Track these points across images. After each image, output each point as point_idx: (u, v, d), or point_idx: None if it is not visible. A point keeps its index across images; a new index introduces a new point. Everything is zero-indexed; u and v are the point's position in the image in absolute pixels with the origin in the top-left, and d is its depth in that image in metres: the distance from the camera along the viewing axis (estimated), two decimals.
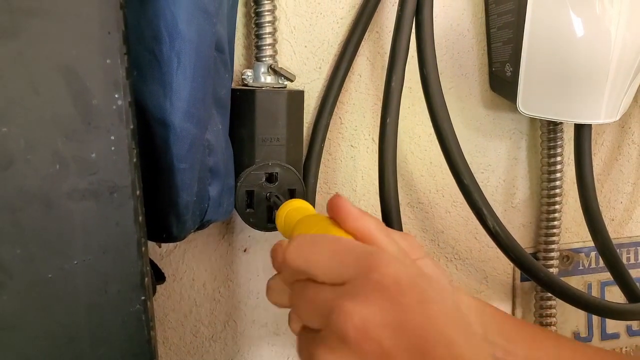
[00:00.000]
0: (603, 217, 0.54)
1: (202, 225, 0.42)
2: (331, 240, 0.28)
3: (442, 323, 0.24)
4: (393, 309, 0.24)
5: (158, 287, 0.49)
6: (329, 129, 0.51)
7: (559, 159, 0.57)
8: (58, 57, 0.23)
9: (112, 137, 0.25)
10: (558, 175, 0.57)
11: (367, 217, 0.31)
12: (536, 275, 0.49)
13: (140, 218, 0.25)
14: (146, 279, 0.25)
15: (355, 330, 0.24)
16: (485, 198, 0.47)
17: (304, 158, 0.50)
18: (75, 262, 0.25)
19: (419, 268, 0.29)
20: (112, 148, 0.25)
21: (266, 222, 0.45)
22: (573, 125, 0.54)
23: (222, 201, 0.41)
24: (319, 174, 0.51)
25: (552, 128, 0.56)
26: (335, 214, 0.31)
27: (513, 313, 0.62)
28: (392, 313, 0.24)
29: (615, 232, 0.63)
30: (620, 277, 0.52)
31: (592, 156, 0.57)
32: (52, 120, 0.24)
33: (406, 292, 0.24)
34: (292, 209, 0.38)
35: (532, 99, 0.48)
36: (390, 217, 0.45)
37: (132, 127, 0.25)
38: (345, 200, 0.31)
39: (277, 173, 0.45)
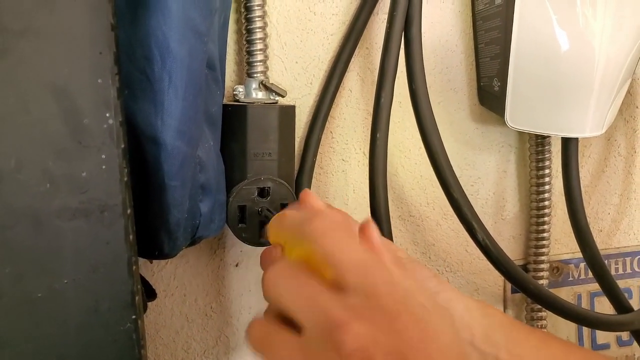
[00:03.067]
0: (591, 228, 0.54)
1: (193, 242, 0.42)
2: (364, 248, 0.28)
3: None
4: (397, 340, 0.24)
5: (149, 303, 0.49)
6: (321, 143, 0.51)
7: (547, 171, 0.57)
8: (49, 76, 0.24)
9: (103, 156, 0.25)
10: (547, 187, 0.58)
11: (397, 250, 0.31)
12: (526, 288, 0.50)
13: (131, 237, 0.25)
14: (137, 297, 0.25)
15: (360, 352, 0.23)
16: (475, 211, 0.48)
17: (296, 172, 0.50)
18: (65, 281, 0.25)
19: (442, 300, 0.29)
20: (103, 167, 0.25)
21: (258, 237, 0.45)
22: (560, 138, 0.55)
23: (213, 217, 0.41)
24: (311, 187, 0.51)
25: (540, 141, 0.57)
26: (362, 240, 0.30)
27: None
28: (395, 344, 0.24)
29: (604, 243, 0.64)
30: (609, 288, 0.53)
31: (580, 168, 0.58)
32: (43, 139, 0.24)
33: (411, 328, 0.24)
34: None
35: (520, 113, 0.49)
36: (381, 229, 0.46)
37: (123, 146, 0.25)
38: (374, 230, 0.30)
39: (269, 188, 0.45)
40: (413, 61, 0.46)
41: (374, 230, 0.30)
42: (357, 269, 0.26)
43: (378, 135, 0.46)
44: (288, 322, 0.27)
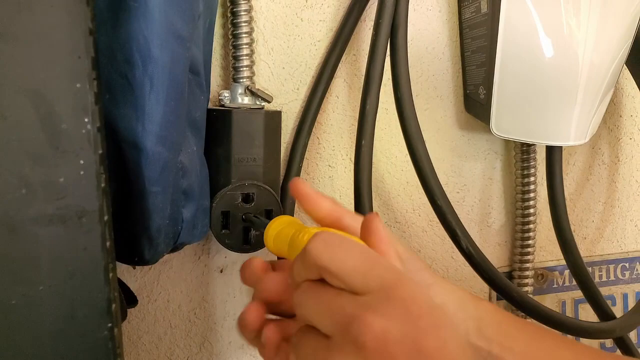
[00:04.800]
0: (576, 235, 0.55)
1: (175, 248, 0.41)
2: (361, 246, 0.28)
3: (454, 350, 0.25)
4: (412, 329, 0.25)
5: (132, 309, 0.48)
6: (307, 149, 0.51)
7: (532, 179, 0.58)
8: (26, 82, 0.23)
9: (81, 162, 0.25)
10: (532, 195, 0.58)
11: (395, 242, 0.31)
12: (509, 295, 0.50)
13: (108, 243, 0.25)
14: (114, 305, 0.25)
15: (375, 341, 0.24)
16: (459, 218, 0.48)
17: (281, 178, 0.50)
18: (41, 288, 0.24)
19: (434, 295, 0.30)
20: (81, 172, 0.25)
21: (242, 243, 0.45)
22: (545, 146, 0.55)
23: (196, 223, 0.41)
24: None
25: (525, 149, 0.57)
26: (367, 234, 0.31)
27: None
28: (410, 333, 0.25)
29: (588, 250, 0.64)
30: (592, 295, 0.53)
31: (564, 176, 0.59)
32: (20, 145, 0.24)
33: (424, 315, 0.25)
34: (287, 223, 0.36)
35: (505, 121, 0.49)
36: None
37: (101, 151, 0.25)
38: (380, 222, 0.31)
39: (253, 193, 0.45)
40: (398, 69, 0.46)
41: (379, 223, 0.30)
42: (359, 274, 0.26)
43: (363, 142, 0.46)
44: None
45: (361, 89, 0.49)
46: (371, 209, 0.47)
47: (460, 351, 0.25)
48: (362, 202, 0.46)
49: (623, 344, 0.55)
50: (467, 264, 0.52)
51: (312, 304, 0.27)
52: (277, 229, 0.35)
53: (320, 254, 0.27)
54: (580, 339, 0.64)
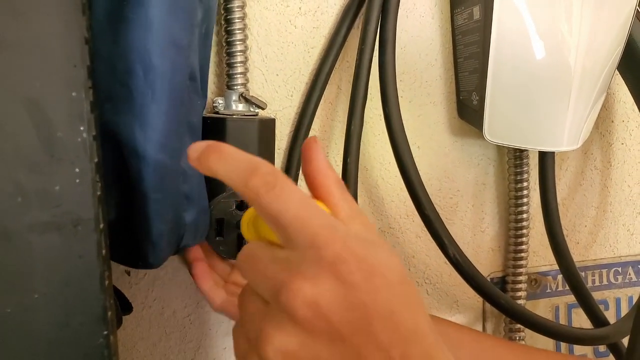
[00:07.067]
0: (569, 240, 0.55)
1: (179, 250, 0.42)
2: (303, 196, 0.27)
3: (385, 296, 0.25)
4: (341, 287, 0.24)
5: (127, 316, 0.48)
6: None
7: (525, 184, 0.58)
8: (22, 90, 0.23)
9: (77, 170, 0.25)
10: (525, 200, 0.58)
11: (332, 174, 0.30)
12: (497, 303, 0.50)
13: (104, 251, 0.25)
14: (109, 312, 0.25)
15: (305, 309, 0.24)
16: (445, 227, 0.48)
17: None
18: (36, 296, 0.24)
19: (364, 239, 0.27)
20: (77, 180, 0.25)
21: (236, 250, 0.45)
22: (538, 152, 0.56)
23: (198, 225, 0.41)
24: None
25: (518, 155, 0.58)
26: (306, 156, 0.30)
27: None
28: (340, 291, 0.24)
29: (581, 255, 0.65)
30: (585, 301, 0.53)
31: (557, 181, 0.59)
32: (15, 153, 0.24)
33: (354, 271, 0.24)
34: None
35: (497, 127, 0.50)
36: None
37: (96, 160, 0.25)
38: (319, 148, 0.30)
39: None
40: (387, 85, 0.47)
41: (318, 152, 0.29)
42: (296, 222, 0.25)
43: (348, 160, 0.48)
44: None
45: None
46: None
47: (396, 296, 0.25)
48: None
49: (616, 350, 0.56)
50: None
51: (248, 268, 0.27)
52: (249, 214, 0.34)
53: (260, 197, 0.26)
54: (574, 346, 0.64)
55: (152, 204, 0.36)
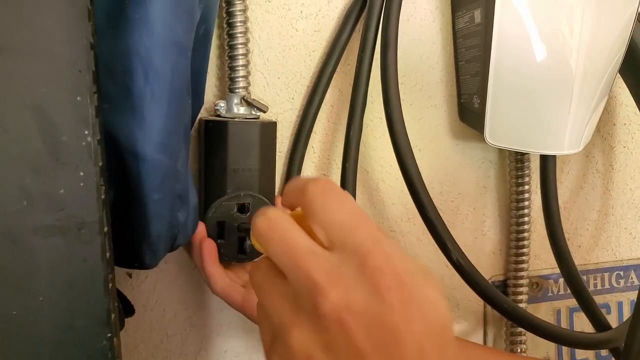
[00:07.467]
0: (570, 244, 0.55)
1: (171, 250, 0.42)
2: (353, 204, 0.27)
3: (419, 331, 0.24)
4: (375, 301, 0.24)
5: (129, 318, 0.48)
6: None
7: (526, 187, 0.58)
8: (27, 95, 0.24)
9: (81, 173, 0.25)
10: (526, 203, 0.58)
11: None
12: (500, 306, 0.50)
13: (108, 254, 0.25)
14: (113, 315, 0.25)
15: (333, 311, 0.23)
16: (448, 230, 0.49)
17: (278, 188, 0.50)
18: (41, 299, 0.24)
19: (411, 265, 0.27)
20: (81, 184, 0.25)
21: (237, 252, 0.45)
22: (539, 155, 0.56)
23: (189, 224, 0.41)
24: None
25: (519, 158, 0.58)
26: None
27: (484, 340, 0.62)
28: (373, 305, 0.23)
29: (582, 258, 0.65)
30: (587, 305, 0.53)
31: (559, 185, 0.59)
32: (20, 157, 0.24)
33: (392, 289, 0.24)
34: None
35: (499, 130, 0.50)
36: None
37: (100, 164, 0.25)
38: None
39: (249, 203, 0.45)
40: (388, 87, 0.47)
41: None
42: (342, 228, 0.25)
43: (347, 165, 0.49)
44: None
45: None
46: None
47: (429, 335, 0.24)
48: None
49: (619, 354, 0.56)
50: None
51: (278, 249, 0.26)
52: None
53: (316, 201, 0.26)
54: (576, 350, 0.64)
55: (151, 205, 0.36)
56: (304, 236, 0.26)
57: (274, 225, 0.26)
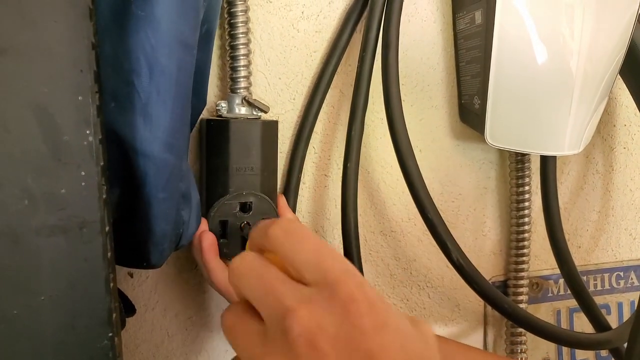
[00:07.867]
0: (571, 244, 0.55)
1: (176, 248, 0.42)
2: (316, 239, 0.27)
3: (394, 354, 0.24)
4: (348, 326, 0.23)
5: (130, 318, 0.48)
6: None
7: (527, 188, 0.58)
8: (29, 95, 0.24)
9: (83, 173, 0.25)
10: (527, 204, 0.58)
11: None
12: (500, 307, 0.50)
13: (109, 254, 0.25)
14: (114, 314, 0.25)
15: (305, 336, 0.23)
16: (449, 231, 0.49)
17: (279, 187, 0.50)
18: (42, 298, 0.24)
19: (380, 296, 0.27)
20: (83, 184, 0.25)
21: (240, 251, 0.45)
22: (539, 155, 0.56)
23: (192, 222, 0.41)
24: (296, 203, 0.52)
25: (519, 158, 0.58)
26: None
27: (484, 340, 0.62)
28: (345, 330, 0.23)
29: (583, 259, 0.65)
30: (587, 306, 0.53)
31: (559, 185, 0.59)
32: (22, 157, 0.24)
33: (365, 315, 0.24)
34: None
35: (499, 131, 0.50)
36: (351, 252, 0.48)
37: (102, 163, 0.25)
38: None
39: (251, 202, 0.45)
40: (389, 88, 0.47)
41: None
42: (310, 265, 0.26)
43: (348, 165, 0.49)
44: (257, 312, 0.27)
45: None
46: (356, 224, 0.49)
47: (401, 355, 0.24)
48: (347, 216, 0.49)
49: (619, 355, 0.56)
50: None
51: (251, 283, 0.26)
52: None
53: (279, 239, 0.26)
54: (576, 351, 0.64)
55: (157, 204, 0.36)
56: (278, 271, 0.26)
57: (248, 263, 0.27)
